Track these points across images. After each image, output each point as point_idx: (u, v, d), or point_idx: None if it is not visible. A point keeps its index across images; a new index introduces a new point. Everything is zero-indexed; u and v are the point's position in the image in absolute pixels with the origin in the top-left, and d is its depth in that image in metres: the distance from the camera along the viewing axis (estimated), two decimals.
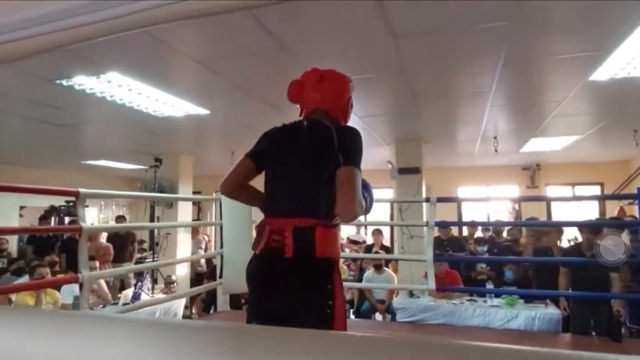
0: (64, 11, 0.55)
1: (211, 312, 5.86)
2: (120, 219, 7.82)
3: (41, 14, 0.55)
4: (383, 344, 0.57)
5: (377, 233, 6.47)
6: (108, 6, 0.53)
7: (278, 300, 1.58)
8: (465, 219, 8.69)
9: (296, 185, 1.61)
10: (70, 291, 4.07)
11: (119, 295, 4.80)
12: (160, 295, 4.93)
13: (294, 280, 1.55)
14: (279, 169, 1.66)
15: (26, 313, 0.97)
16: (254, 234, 1.77)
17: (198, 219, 10.27)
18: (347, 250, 7.21)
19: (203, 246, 7.93)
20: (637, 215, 4.47)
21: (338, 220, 1.61)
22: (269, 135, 1.74)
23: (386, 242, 7.05)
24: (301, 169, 1.61)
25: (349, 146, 1.58)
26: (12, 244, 7.42)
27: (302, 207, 1.58)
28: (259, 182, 1.78)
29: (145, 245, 7.66)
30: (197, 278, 7.08)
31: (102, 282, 4.58)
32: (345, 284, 2.73)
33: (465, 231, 7.39)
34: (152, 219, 6.76)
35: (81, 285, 3.02)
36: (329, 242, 1.57)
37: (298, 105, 1.79)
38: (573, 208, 8.24)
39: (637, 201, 4.08)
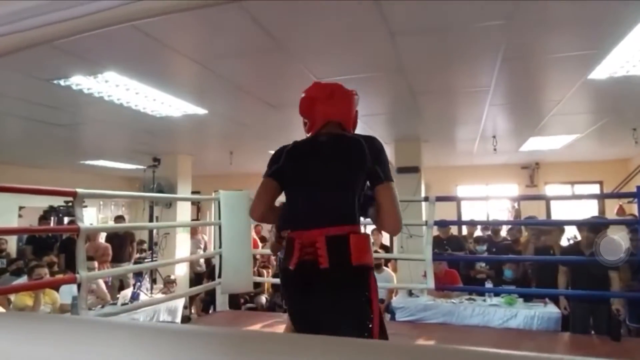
0: (47, 5, 0.54)
1: (210, 312, 5.86)
2: (119, 219, 7.80)
3: (23, 8, 0.54)
4: (380, 349, 0.57)
5: (377, 232, 6.46)
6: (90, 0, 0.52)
7: (318, 313, 1.59)
8: (464, 218, 8.69)
9: (326, 196, 1.63)
10: (69, 291, 4.05)
11: (117, 296, 4.79)
12: (160, 295, 4.93)
13: (332, 291, 1.56)
14: (304, 182, 1.68)
15: (23, 317, 0.97)
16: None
17: (197, 219, 10.26)
18: None
19: (202, 246, 7.92)
20: (636, 214, 4.46)
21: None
22: (284, 152, 1.75)
23: (385, 241, 7.04)
24: (330, 180, 1.64)
25: (383, 159, 1.66)
26: (12, 244, 7.42)
27: (334, 216, 1.60)
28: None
29: (145, 246, 7.65)
30: (196, 278, 7.08)
31: (101, 282, 4.56)
32: None
33: (464, 230, 7.38)
34: (151, 219, 6.75)
35: (79, 286, 3.02)
36: (363, 248, 1.59)
37: (304, 120, 1.83)
38: (572, 207, 8.24)
39: (636, 200, 4.07)
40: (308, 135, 1.81)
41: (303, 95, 1.81)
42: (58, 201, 7.74)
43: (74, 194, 3.06)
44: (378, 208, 1.64)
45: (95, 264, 4.96)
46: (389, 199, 1.63)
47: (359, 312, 1.58)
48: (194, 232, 7.65)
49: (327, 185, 1.64)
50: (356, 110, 1.85)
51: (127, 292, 4.72)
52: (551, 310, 4.15)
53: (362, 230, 1.73)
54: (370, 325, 1.57)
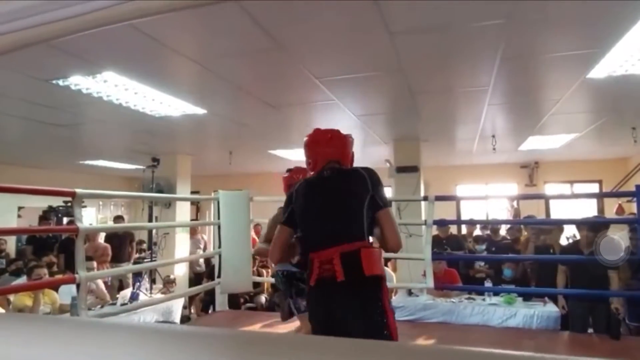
0: (45, 5, 0.53)
1: (210, 311, 5.86)
2: (118, 219, 7.80)
3: (20, 7, 0.54)
4: (379, 349, 0.57)
5: None
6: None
7: (340, 322, 1.79)
8: (463, 217, 8.68)
9: (338, 219, 1.88)
10: (68, 292, 4.05)
11: (117, 296, 4.79)
12: (159, 295, 4.92)
13: (349, 300, 1.77)
14: (316, 211, 1.94)
15: (23, 319, 0.97)
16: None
17: (196, 219, 10.25)
18: None
19: (202, 246, 7.91)
20: (635, 213, 4.46)
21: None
22: (294, 192, 2.04)
23: None
24: (340, 205, 1.90)
25: (380, 188, 1.92)
26: (11, 244, 7.40)
27: (346, 235, 1.83)
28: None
29: (144, 246, 7.64)
30: (195, 278, 7.07)
31: (100, 282, 4.56)
32: None
33: (464, 229, 7.38)
34: (150, 219, 6.75)
35: (78, 286, 3.02)
36: (373, 260, 1.81)
37: (308, 160, 2.12)
38: (572, 206, 8.25)
39: (635, 198, 4.07)
40: (311, 173, 2.11)
41: (306, 139, 2.13)
42: (57, 201, 7.73)
43: (72, 194, 3.05)
44: (380, 230, 1.90)
45: (94, 264, 4.96)
46: (389, 224, 1.90)
47: (374, 320, 1.77)
48: (193, 232, 7.64)
49: (337, 210, 1.89)
50: (353, 151, 2.16)
51: (127, 292, 4.71)
52: (551, 309, 4.15)
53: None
54: (385, 332, 1.77)
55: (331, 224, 1.88)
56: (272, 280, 5.43)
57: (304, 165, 2.43)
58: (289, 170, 3.11)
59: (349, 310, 1.77)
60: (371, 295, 1.79)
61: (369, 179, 1.91)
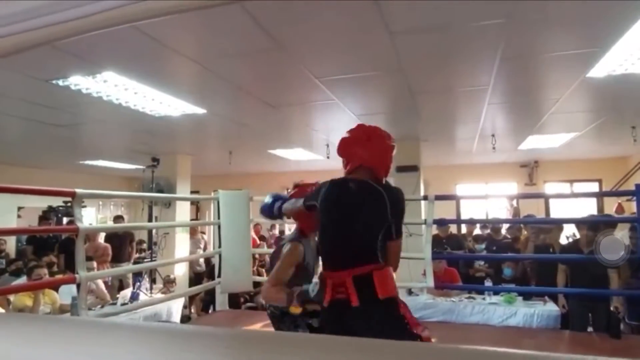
0: (48, 6, 0.54)
1: (210, 311, 5.86)
2: (118, 219, 7.80)
3: (24, 9, 0.54)
4: (380, 348, 0.57)
5: None
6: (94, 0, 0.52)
7: None
8: (463, 216, 8.68)
9: (351, 240, 1.84)
10: (68, 292, 4.05)
11: (117, 296, 4.79)
12: (159, 295, 4.92)
13: (365, 328, 1.74)
14: (333, 225, 1.90)
15: (23, 319, 0.97)
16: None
17: (196, 219, 10.25)
18: None
19: (202, 245, 7.91)
20: (635, 212, 4.46)
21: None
22: (321, 191, 1.95)
23: None
24: (355, 226, 1.83)
25: (400, 218, 1.87)
26: (10, 244, 7.41)
27: (358, 257, 1.81)
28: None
29: (144, 245, 7.64)
30: (196, 277, 7.08)
31: (100, 282, 4.56)
32: None
33: (463, 229, 7.37)
34: (150, 219, 6.75)
35: (78, 286, 3.02)
36: (386, 281, 1.80)
37: (341, 157, 2.03)
38: (571, 205, 8.25)
39: (635, 197, 4.08)
40: (344, 172, 2.00)
41: (345, 136, 1.99)
42: (57, 201, 7.73)
43: (72, 194, 3.05)
44: (385, 254, 1.85)
45: (95, 264, 4.96)
46: (394, 254, 1.88)
47: (403, 335, 1.73)
48: (193, 231, 7.64)
49: (352, 229, 1.84)
50: (392, 157, 2.02)
51: (127, 292, 4.71)
52: (551, 308, 4.15)
53: None
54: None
55: (345, 245, 1.85)
56: None
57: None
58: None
59: (369, 335, 1.77)
60: (389, 316, 1.76)
61: (389, 207, 1.82)
